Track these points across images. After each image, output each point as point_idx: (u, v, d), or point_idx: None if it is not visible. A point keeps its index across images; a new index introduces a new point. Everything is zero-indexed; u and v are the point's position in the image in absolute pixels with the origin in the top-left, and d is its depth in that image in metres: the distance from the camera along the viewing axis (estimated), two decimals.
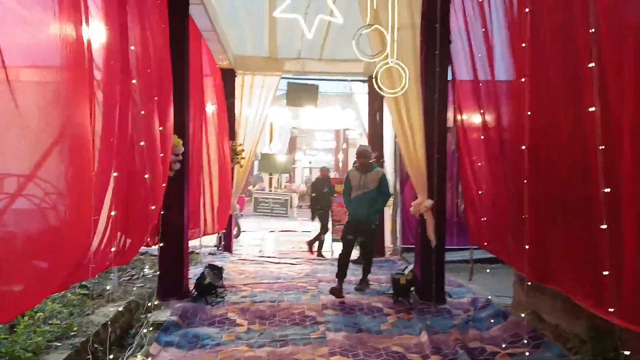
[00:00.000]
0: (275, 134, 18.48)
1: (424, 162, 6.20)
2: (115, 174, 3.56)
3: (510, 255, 5.15)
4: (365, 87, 10.54)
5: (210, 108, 8.80)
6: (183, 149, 6.04)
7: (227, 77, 9.76)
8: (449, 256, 6.74)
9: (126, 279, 7.27)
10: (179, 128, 6.05)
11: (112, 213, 3.53)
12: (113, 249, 3.56)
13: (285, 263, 8.77)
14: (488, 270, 7.32)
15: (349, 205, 6.77)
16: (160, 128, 4.76)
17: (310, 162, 31.48)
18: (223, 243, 9.87)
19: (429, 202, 6.20)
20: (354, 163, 7.42)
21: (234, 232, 12.37)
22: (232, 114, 9.89)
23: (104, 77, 3.51)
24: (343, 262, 6.50)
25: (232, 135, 9.87)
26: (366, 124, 10.55)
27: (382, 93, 6.10)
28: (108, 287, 6.48)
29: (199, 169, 7.62)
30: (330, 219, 11.42)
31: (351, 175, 6.83)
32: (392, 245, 10.32)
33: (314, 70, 10.24)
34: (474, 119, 6.37)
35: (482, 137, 6.02)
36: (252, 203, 18.57)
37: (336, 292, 6.21)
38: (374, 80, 6.16)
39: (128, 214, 3.90)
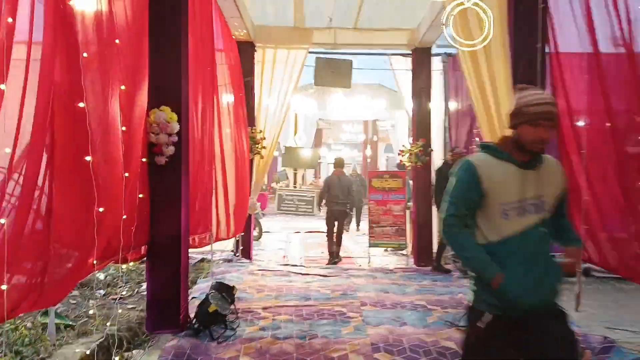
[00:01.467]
0: (300, 125, 16.75)
1: None
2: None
3: None
4: (408, 62, 8.69)
5: (225, 87, 7.09)
6: (178, 126, 4.33)
7: (245, 52, 8.04)
8: None
9: (114, 298, 5.61)
10: (171, 99, 4.35)
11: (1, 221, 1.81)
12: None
13: (315, 275, 6.99)
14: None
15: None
16: (123, 87, 3.05)
17: (334, 159, 29.67)
18: (241, 248, 8.16)
19: None
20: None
21: (254, 233, 10.67)
22: (250, 96, 8.17)
23: None
24: None
25: (251, 120, 8.15)
26: (409, 107, 8.71)
27: (454, 46, 4.27)
28: (91, 312, 4.86)
29: (210, 158, 5.92)
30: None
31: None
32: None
33: (348, 42, 8.43)
34: (587, 102, 4.48)
35: (602, 126, 4.15)
36: (275, 201, 16.86)
37: None
38: (443, 27, 4.32)
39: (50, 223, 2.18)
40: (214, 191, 6.24)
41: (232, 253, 8.23)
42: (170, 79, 4.37)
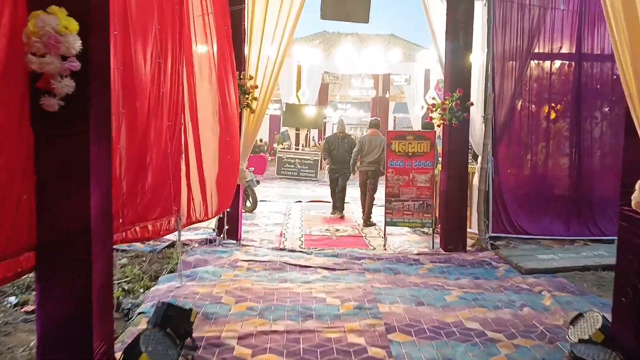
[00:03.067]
0: (303, 80, 14.68)
1: None
2: None
3: None
4: None
5: (203, 17, 5.10)
6: (80, 42, 2.41)
7: None
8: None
9: (27, 311, 3.82)
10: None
11: None
12: None
13: (319, 267, 5.18)
14: None
15: None
16: None
17: (340, 118, 27.59)
18: (226, 228, 6.33)
19: None
20: None
21: (247, 205, 8.86)
22: (238, 29, 6.17)
23: None
24: None
25: (239, 63, 6.18)
26: (442, 48, 6.67)
27: None
28: None
29: (174, 109, 4.02)
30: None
31: None
32: (476, 234, 6.62)
33: None
34: None
35: None
36: (275, 164, 14.99)
37: None
38: None
39: None
40: (182, 157, 4.37)
41: (215, 233, 6.41)
42: None
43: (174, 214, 3.99)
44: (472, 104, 6.33)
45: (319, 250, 6.18)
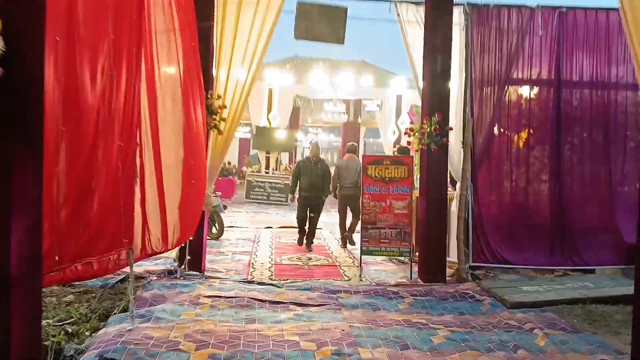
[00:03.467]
0: (274, 103, 14.30)
1: None
2: None
3: None
4: (420, 11, 6.38)
5: (169, 33, 4.67)
6: (2, 42, 1.94)
7: None
8: None
9: None
10: None
11: None
12: None
13: (293, 305, 4.69)
14: None
15: None
16: None
17: (311, 142, 27.31)
18: (188, 258, 5.78)
19: None
20: None
21: (213, 231, 8.31)
22: (206, 46, 5.76)
23: None
24: None
25: (207, 82, 5.75)
26: (419, 72, 6.41)
27: None
28: None
29: (128, 130, 3.53)
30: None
31: None
32: (455, 262, 6.27)
33: None
34: None
35: None
36: (244, 187, 14.45)
37: None
38: None
39: None
40: (137, 181, 3.86)
41: (177, 264, 5.84)
42: None
43: (124, 247, 3.46)
44: (451, 129, 6.06)
45: (291, 282, 5.69)
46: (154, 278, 5.39)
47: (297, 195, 8.14)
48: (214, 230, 8.38)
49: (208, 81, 5.82)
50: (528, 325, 4.24)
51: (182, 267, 5.76)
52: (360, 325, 4.07)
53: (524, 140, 6.59)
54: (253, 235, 8.94)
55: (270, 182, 13.96)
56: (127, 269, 4.27)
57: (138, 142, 3.70)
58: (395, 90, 14.34)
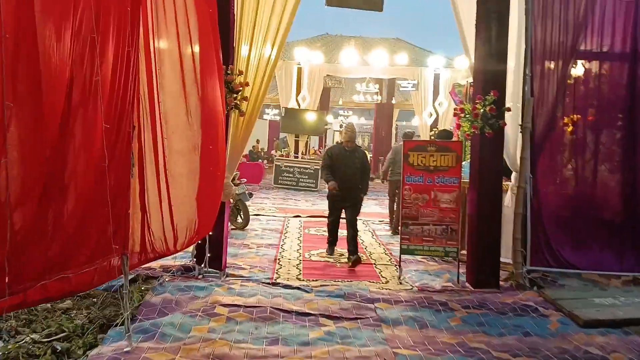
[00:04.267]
0: (304, 83, 13.45)
1: None
2: None
3: None
4: None
5: None
6: None
7: None
8: None
9: None
10: None
11: None
12: None
13: (323, 318, 3.92)
14: None
15: None
16: None
17: (341, 126, 26.39)
18: (208, 255, 5.08)
19: None
20: None
21: (238, 221, 7.65)
22: (225, 15, 4.96)
23: None
24: None
25: (227, 56, 4.98)
26: (470, 43, 5.46)
27: None
28: None
29: (113, 108, 2.78)
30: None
31: None
32: (508, 264, 5.39)
33: None
34: None
35: None
36: (273, 172, 13.74)
37: None
38: None
39: None
40: (133, 172, 3.13)
41: (194, 263, 5.16)
42: None
43: (115, 253, 2.75)
44: (509, 110, 5.11)
45: (321, 284, 4.93)
46: (167, 278, 4.71)
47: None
48: (239, 219, 7.70)
49: (228, 55, 5.05)
50: (615, 357, 3.36)
51: (202, 264, 5.08)
52: (407, 353, 3.27)
53: (591, 124, 5.58)
54: (280, 225, 8.22)
55: (300, 167, 13.19)
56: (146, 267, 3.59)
57: (134, 124, 2.96)
58: (432, 69, 13.29)
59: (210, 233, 4.92)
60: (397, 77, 14.39)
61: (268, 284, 4.87)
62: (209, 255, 5.03)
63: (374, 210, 10.48)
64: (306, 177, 13.16)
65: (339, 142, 6.59)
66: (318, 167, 13.23)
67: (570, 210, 5.53)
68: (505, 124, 5.06)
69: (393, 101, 17.34)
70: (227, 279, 4.97)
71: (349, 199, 5.97)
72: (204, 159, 4.29)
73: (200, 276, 4.98)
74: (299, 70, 13.37)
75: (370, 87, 14.04)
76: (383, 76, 14.73)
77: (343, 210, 6.05)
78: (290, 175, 13.14)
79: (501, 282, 5.19)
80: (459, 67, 12.78)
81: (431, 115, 13.21)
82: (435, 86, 13.36)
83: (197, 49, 4.16)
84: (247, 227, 7.71)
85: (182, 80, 3.88)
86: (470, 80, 7.75)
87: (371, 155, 18.92)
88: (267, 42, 5.27)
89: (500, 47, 5.16)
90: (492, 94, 4.98)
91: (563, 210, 5.53)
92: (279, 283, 4.90)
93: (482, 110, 4.99)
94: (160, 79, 3.42)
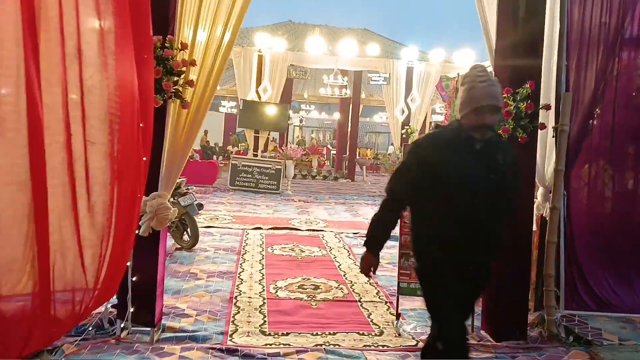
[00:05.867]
0: (265, 73, 11.82)
1: None
2: None
3: None
4: None
5: None
6: None
7: None
8: None
9: None
10: None
11: None
12: None
13: None
14: None
15: None
16: None
17: (301, 121, 24.89)
18: (131, 310, 3.46)
19: None
20: None
21: (185, 238, 6.05)
22: None
23: None
24: None
25: (165, 23, 3.39)
26: (492, 31, 4.09)
27: None
28: None
29: None
30: None
31: None
32: (537, 306, 4.09)
33: None
34: None
35: None
36: (228, 172, 12.07)
37: None
38: None
39: None
40: None
41: (111, 311, 3.54)
42: None
43: None
44: (549, 107, 3.78)
45: (297, 350, 3.44)
46: (70, 345, 3.07)
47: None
48: (185, 237, 6.08)
49: (165, 20, 3.44)
50: None
51: (124, 320, 3.46)
52: None
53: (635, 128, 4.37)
54: (237, 243, 6.64)
55: (260, 167, 11.59)
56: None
57: None
58: (405, 62, 12.01)
59: (134, 279, 3.33)
60: (368, 69, 13.02)
61: (220, 350, 3.33)
62: (131, 310, 3.41)
63: (345, 218, 9.07)
64: (267, 177, 11.59)
65: (454, 120, 2.40)
66: (280, 167, 11.68)
67: (610, 236, 4.30)
68: (544, 126, 3.73)
69: (362, 95, 15.99)
70: (161, 342, 3.40)
71: (478, 269, 2.37)
72: (112, 167, 2.69)
73: (120, 336, 3.39)
74: (260, 58, 11.74)
75: (338, 79, 12.62)
76: (352, 68, 13.32)
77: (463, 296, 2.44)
78: (249, 175, 11.52)
79: (532, 331, 3.90)
80: (433, 62, 11.63)
81: (403, 112, 11.95)
82: (407, 81, 12.10)
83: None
84: (195, 247, 6.10)
85: (61, 47, 2.26)
86: (462, 72, 6.46)
87: (334, 152, 17.57)
88: (219, 25, 3.69)
89: (537, 28, 3.82)
90: (529, 85, 3.63)
91: (600, 237, 4.30)
92: (237, 349, 3.35)
93: (514, 107, 3.64)
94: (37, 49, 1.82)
